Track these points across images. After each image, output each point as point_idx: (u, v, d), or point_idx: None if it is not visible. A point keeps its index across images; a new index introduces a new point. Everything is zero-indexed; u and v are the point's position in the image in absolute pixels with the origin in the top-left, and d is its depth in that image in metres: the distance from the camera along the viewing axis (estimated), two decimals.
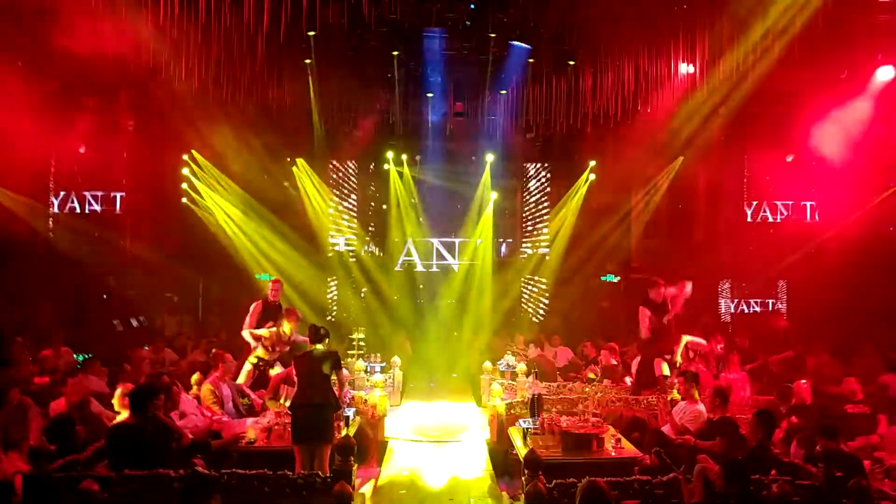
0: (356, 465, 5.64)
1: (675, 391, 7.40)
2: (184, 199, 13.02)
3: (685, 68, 10.24)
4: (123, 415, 6.02)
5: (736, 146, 13.64)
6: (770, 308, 14.49)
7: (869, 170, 11.92)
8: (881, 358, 8.93)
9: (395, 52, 10.97)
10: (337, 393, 6.38)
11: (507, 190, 15.16)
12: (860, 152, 11.39)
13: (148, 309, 13.26)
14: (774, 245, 14.13)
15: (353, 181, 15.19)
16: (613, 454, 6.07)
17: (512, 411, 7.76)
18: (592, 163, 14.05)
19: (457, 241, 14.88)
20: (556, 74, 11.06)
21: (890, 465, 5.96)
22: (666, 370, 8.25)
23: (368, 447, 7.84)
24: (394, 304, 14.48)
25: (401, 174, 14.47)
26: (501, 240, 15.33)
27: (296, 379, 6.39)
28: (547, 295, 14.81)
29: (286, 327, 8.52)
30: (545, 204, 15.17)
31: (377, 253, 15.23)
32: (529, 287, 15.23)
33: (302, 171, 14.04)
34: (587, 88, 10.76)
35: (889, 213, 12.35)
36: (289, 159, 13.91)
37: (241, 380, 8.24)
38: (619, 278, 14.46)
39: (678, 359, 8.53)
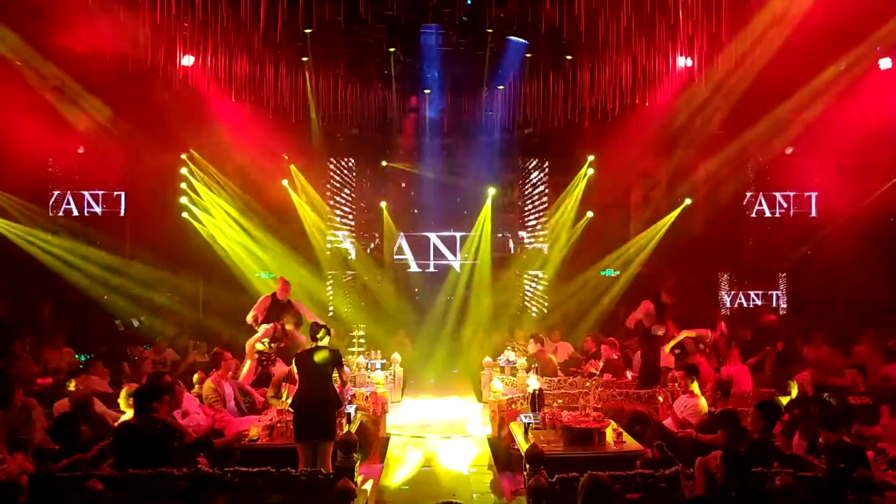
0: (358, 462, 5.65)
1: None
2: (183, 199, 13.01)
3: (683, 61, 10.22)
4: (129, 414, 6.04)
5: (735, 138, 13.61)
6: (772, 302, 14.45)
7: (869, 162, 11.90)
8: (882, 349, 8.94)
9: (392, 49, 10.94)
10: (338, 390, 6.39)
11: (505, 185, 15.15)
12: (861, 144, 11.37)
13: (148, 309, 13.25)
14: (774, 238, 14.12)
15: (350, 178, 15.18)
16: (615, 448, 6.07)
17: (513, 406, 7.77)
18: (591, 157, 14.04)
19: (458, 234, 14.87)
20: (553, 69, 11.04)
21: (893, 457, 5.95)
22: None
23: (370, 444, 7.87)
24: (393, 300, 14.46)
25: (398, 171, 14.43)
26: (500, 235, 15.33)
27: (297, 377, 6.40)
28: (546, 290, 14.82)
29: (289, 324, 8.51)
30: (544, 199, 15.17)
31: (375, 250, 15.22)
32: (529, 282, 15.23)
33: (299, 168, 14.02)
34: (585, 83, 10.75)
35: (890, 204, 12.33)
36: (286, 157, 13.89)
37: (242, 377, 8.23)
38: (618, 273, 14.45)
39: (667, 349, 8.60)
